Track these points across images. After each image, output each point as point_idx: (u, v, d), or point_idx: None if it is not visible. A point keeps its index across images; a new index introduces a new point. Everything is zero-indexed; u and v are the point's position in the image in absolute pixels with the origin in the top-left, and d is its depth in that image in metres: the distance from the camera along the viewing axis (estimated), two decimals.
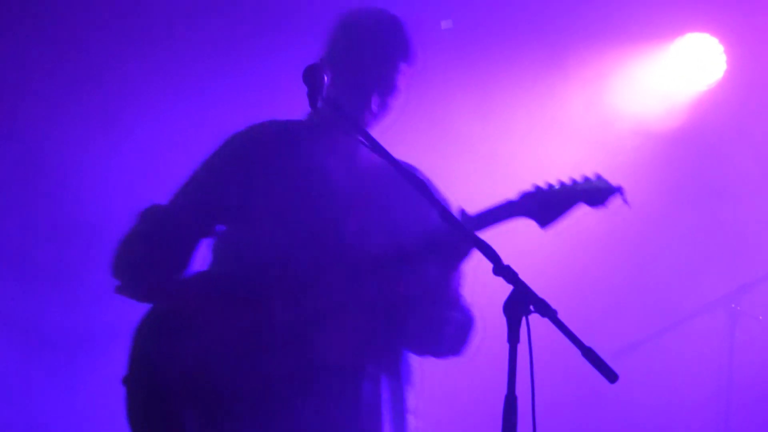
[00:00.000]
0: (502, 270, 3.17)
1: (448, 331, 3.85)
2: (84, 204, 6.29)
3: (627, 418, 6.88)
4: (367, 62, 3.89)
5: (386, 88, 3.90)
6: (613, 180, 3.74)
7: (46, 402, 6.16)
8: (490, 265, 3.22)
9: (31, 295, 6.15)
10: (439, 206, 3.39)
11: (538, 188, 3.71)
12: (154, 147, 6.32)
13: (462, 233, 3.46)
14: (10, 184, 6.28)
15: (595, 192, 3.69)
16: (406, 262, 3.73)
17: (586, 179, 3.70)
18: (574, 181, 3.71)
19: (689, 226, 6.87)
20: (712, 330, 6.25)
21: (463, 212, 3.71)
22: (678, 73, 6.85)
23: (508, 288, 3.16)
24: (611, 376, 3.04)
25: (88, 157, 6.28)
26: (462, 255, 3.71)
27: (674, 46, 6.84)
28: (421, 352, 3.94)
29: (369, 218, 3.85)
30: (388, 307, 3.79)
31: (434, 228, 3.70)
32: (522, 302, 3.11)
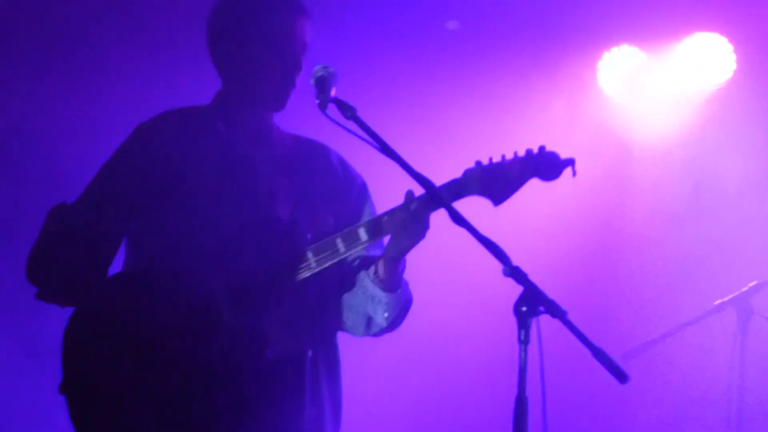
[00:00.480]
0: (512, 271, 3.17)
1: (382, 312, 3.85)
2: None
3: (637, 419, 6.86)
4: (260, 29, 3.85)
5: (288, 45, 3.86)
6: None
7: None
8: (500, 266, 3.21)
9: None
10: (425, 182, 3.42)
11: (481, 165, 3.66)
12: None
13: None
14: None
15: (545, 165, 3.61)
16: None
17: (531, 153, 3.63)
18: (518, 156, 3.64)
19: (700, 226, 6.85)
20: (723, 330, 6.22)
21: (409, 193, 3.67)
22: (686, 72, 6.83)
23: (518, 289, 3.15)
24: (622, 376, 3.03)
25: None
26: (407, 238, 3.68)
27: (682, 46, 6.82)
28: (357, 332, 3.96)
29: (293, 199, 3.84)
30: (323, 289, 3.82)
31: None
32: (532, 303, 3.10)
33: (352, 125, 3.62)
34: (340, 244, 3.68)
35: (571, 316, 3.07)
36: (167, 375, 3.61)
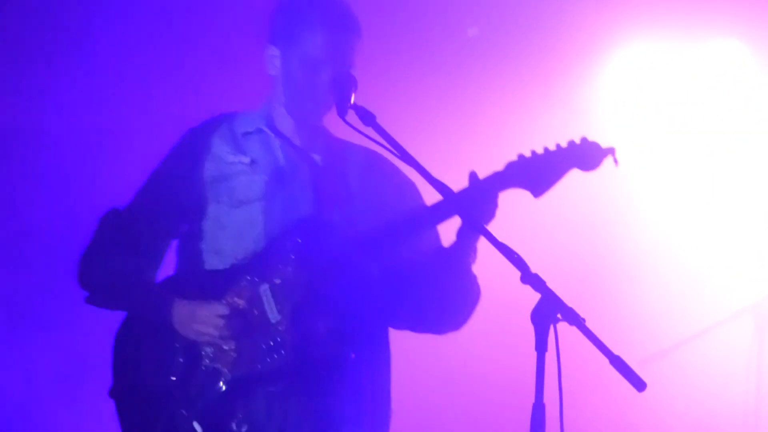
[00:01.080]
0: (530, 278, 3.17)
1: (451, 306, 3.84)
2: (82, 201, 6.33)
3: (655, 427, 6.85)
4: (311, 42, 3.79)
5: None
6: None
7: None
8: (517, 273, 3.21)
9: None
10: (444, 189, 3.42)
11: (523, 157, 3.62)
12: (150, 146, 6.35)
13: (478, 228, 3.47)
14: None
15: (586, 155, 3.58)
16: (392, 242, 3.72)
17: (573, 143, 3.59)
18: (561, 147, 3.60)
19: (717, 233, 6.84)
20: (739, 339, 6.21)
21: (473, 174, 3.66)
22: (705, 78, 6.82)
23: (536, 296, 3.15)
24: (640, 384, 3.03)
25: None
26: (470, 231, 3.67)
27: (702, 51, 6.80)
28: (421, 329, 3.94)
29: (339, 205, 3.82)
30: (371, 290, 3.79)
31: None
32: (550, 311, 3.10)
33: (370, 131, 3.64)
34: (381, 243, 3.68)
35: (589, 324, 3.07)
36: (214, 379, 3.64)
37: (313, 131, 3.89)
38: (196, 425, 3.62)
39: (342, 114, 3.64)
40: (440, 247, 3.85)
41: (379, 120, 3.61)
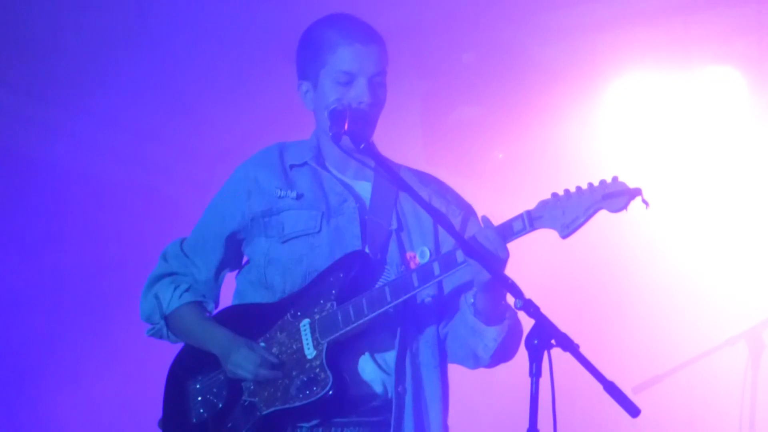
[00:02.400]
0: (524, 304, 3.18)
1: (493, 344, 3.75)
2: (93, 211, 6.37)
3: None
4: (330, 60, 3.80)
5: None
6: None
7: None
8: (512, 299, 3.22)
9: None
10: (458, 236, 3.41)
11: (556, 196, 3.58)
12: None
13: (465, 247, 3.47)
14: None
15: (615, 197, 3.52)
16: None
17: (604, 183, 3.55)
18: (592, 187, 3.56)
19: (712, 258, 6.86)
20: (734, 364, 6.21)
21: (488, 224, 3.62)
22: (700, 105, 6.85)
23: (530, 322, 3.16)
24: (633, 410, 3.03)
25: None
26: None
27: (696, 78, 6.83)
28: (468, 365, 3.89)
29: (391, 234, 3.80)
30: (417, 323, 3.77)
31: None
32: (544, 336, 3.11)
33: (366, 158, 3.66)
34: (414, 279, 3.61)
35: (583, 350, 3.08)
36: (250, 413, 3.65)
37: (362, 158, 3.85)
38: None
39: (336, 140, 3.65)
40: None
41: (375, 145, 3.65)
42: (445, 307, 3.81)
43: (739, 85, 6.79)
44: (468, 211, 3.95)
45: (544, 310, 3.16)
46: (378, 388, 3.68)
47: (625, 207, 3.52)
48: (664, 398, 6.52)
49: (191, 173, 6.72)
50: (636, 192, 3.53)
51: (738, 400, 6.13)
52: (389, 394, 3.68)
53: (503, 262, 3.55)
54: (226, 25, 6.44)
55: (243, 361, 3.66)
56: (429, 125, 6.92)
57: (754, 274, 6.79)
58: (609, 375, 3.05)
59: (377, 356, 3.69)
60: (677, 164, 6.91)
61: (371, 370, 3.68)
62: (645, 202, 3.52)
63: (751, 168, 6.83)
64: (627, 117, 6.94)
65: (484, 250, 3.52)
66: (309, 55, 3.84)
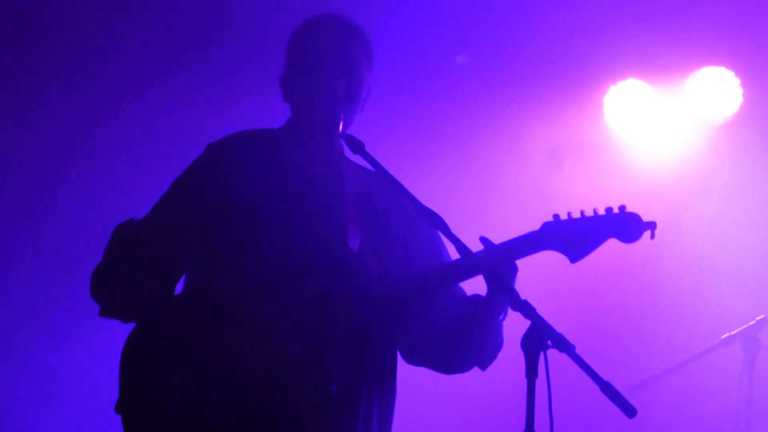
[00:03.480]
0: (519, 305, 3.18)
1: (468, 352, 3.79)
2: (83, 210, 6.34)
3: None
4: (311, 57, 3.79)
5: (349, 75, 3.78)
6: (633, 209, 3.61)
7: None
8: None
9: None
10: (455, 240, 3.40)
11: (561, 221, 3.60)
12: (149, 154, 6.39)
13: (475, 265, 3.47)
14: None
15: (626, 227, 3.56)
16: (419, 293, 3.69)
17: (612, 211, 3.57)
18: (600, 216, 3.58)
19: (707, 260, 6.86)
20: (730, 365, 6.21)
21: (488, 243, 3.64)
22: (693, 106, 6.86)
23: (526, 323, 3.16)
24: (630, 411, 3.03)
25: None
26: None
27: (690, 80, 6.85)
28: (448, 371, 3.91)
29: (363, 231, 3.78)
30: (387, 324, 3.74)
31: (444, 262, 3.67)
32: (540, 337, 3.11)
33: (360, 160, 3.64)
34: (408, 290, 3.64)
35: (579, 350, 3.08)
36: (229, 405, 3.56)
37: (335, 158, 3.82)
38: None
39: (330, 143, 3.63)
40: (466, 297, 3.83)
41: (369, 148, 3.64)
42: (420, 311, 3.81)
43: (733, 85, 6.81)
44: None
45: (539, 310, 3.16)
46: (353, 389, 3.68)
47: (637, 239, 3.57)
48: (661, 398, 6.53)
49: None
50: (650, 225, 3.57)
51: (734, 400, 6.13)
52: (360, 396, 3.69)
53: (510, 277, 3.59)
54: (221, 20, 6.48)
55: (225, 352, 3.62)
56: (421, 129, 6.91)
57: (749, 275, 6.80)
58: (605, 375, 3.04)
59: (352, 358, 3.68)
60: (673, 165, 6.92)
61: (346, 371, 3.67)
62: (653, 235, 3.56)
63: (747, 168, 6.84)
64: (624, 120, 6.95)
65: (491, 264, 3.54)
66: (288, 45, 3.83)
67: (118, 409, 3.65)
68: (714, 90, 6.81)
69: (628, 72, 6.90)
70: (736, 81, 6.79)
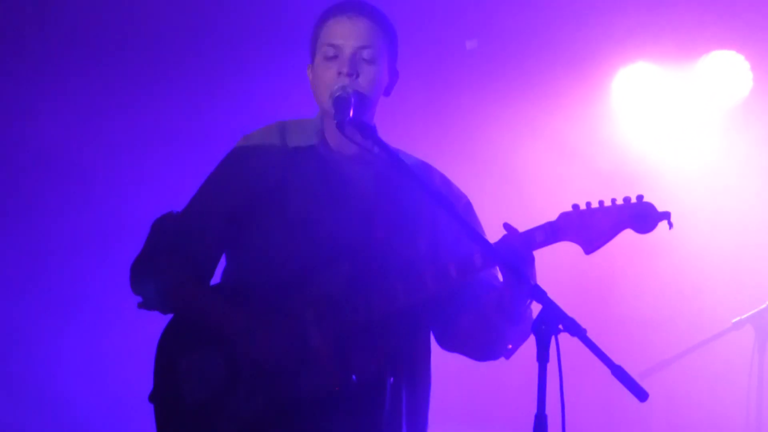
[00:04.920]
0: (531, 289, 3.19)
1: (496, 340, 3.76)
2: (97, 209, 6.36)
3: None
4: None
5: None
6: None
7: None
8: None
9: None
10: (467, 227, 3.40)
11: (578, 209, 3.58)
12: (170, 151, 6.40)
13: (489, 253, 3.47)
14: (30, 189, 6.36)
15: (642, 218, 3.53)
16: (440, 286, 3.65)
17: (629, 202, 3.54)
18: (616, 204, 3.55)
19: (717, 243, 6.85)
20: (741, 348, 6.22)
21: (512, 230, 3.60)
22: (703, 90, 6.85)
23: (537, 307, 3.17)
24: (641, 394, 3.04)
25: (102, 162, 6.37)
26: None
27: (700, 64, 6.83)
28: (478, 358, 3.90)
29: (389, 220, 3.77)
30: (416, 316, 3.74)
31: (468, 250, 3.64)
32: (551, 321, 3.11)
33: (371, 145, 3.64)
34: (429, 281, 3.62)
35: (590, 334, 3.08)
36: (254, 395, 3.60)
37: (365, 144, 3.76)
38: None
39: (341, 128, 3.64)
40: (493, 285, 3.79)
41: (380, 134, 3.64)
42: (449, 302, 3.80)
43: (743, 69, 6.79)
44: (466, 203, 3.94)
45: (551, 295, 3.16)
46: (375, 378, 3.68)
47: (652, 229, 3.54)
48: (672, 382, 6.53)
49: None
50: (665, 215, 3.55)
51: (745, 384, 6.14)
52: (384, 384, 3.70)
53: (528, 268, 3.58)
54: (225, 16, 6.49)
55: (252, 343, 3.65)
56: (432, 114, 6.91)
57: (761, 258, 6.79)
58: (616, 359, 3.05)
59: (373, 345, 3.68)
60: (683, 149, 6.91)
61: (368, 360, 3.67)
62: (670, 224, 3.54)
63: (757, 152, 6.83)
64: (632, 104, 6.94)
65: (508, 255, 3.53)
66: (311, 33, 3.82)
67: (152, 398, 3.73)
68: (724, 74, 6.80)
69: (638, 55, 6.88)
70: (747, 65, 6.78)
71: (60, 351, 6.30)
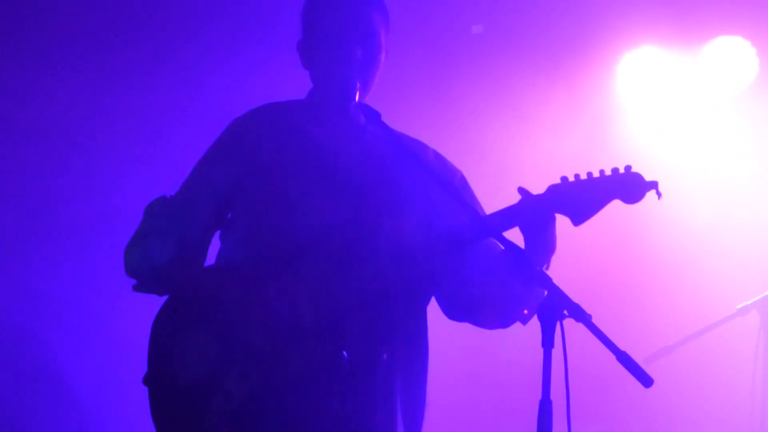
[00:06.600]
0: (536, 275, 3.19)
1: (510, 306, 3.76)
2: (93, 199, 6.36)
3: (661, 422, 6.86)
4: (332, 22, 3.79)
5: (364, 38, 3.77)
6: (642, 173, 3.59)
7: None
8: None
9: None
10: (465, 205, 3.41)
11: (567, 182, 3.58)
12: (162, 142, 6.40)
13: (490, 232, 3.47)
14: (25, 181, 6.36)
15: (630, 187, 3.54)
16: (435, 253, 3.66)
17: (617, 173, 3.55)
18: (604, 175, 3.56)
19: (722, 229, 6.85)
20: (746, 333, 6.22)
21: (526, 194, 3.61)
22: (710, 76, 6.83)
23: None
24: (646, 380, 3.04)
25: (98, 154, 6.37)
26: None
27: (706, 50, 6.82)
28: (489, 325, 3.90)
29: (381, 199, 3.78)
30: (411, 294, 3.75)
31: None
32: (556, 307, 3.11)
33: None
34: (421, 257, 3.63)
35: (595, 320, 3.09)
36: (246, 375, 3.61)
37: (353, 127, 3.83)
38: None
39: (347, 113, 3.63)
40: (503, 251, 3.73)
41: (385, 118, 3.64)
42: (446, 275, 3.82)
43: (749, 54, 6.78)
44: (461, 178, 3.94)
45: (555, 280, 3.17)
46: (367, 354, 3.68)
47: (640, 199, 3.55)
48: (677, 368, 6.53)
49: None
50: (652, 185, 3.54)
51: (750, 369, 6.14)
52: (377, 361, 3.70)
53: (551, 226, 3.62)
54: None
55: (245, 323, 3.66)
56: (435, 99, 6.91)
57: (765, 244, 6.79)
58: (621, 345, 3.05)
59: (364, 322, 3.68)
60: (689, 135, 6.90)
61: (359, 336, 3.68)
62: (659, 193, 3.54)
63: (763, 137, 6.82)
64: (637, 88, 6.93)
65: (529, 215, 3.57)
66: (303, 10, 3.85)
67: (146, 381, 3.72)
68: (730, 59, 6.78)
69: (643, 39, 6.87)
70: (753, 50, 6.76)
71: (60, 339, 6.31)
